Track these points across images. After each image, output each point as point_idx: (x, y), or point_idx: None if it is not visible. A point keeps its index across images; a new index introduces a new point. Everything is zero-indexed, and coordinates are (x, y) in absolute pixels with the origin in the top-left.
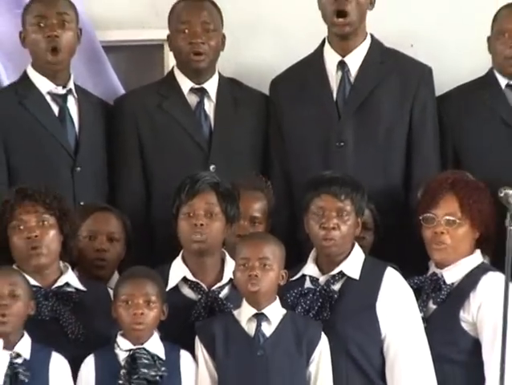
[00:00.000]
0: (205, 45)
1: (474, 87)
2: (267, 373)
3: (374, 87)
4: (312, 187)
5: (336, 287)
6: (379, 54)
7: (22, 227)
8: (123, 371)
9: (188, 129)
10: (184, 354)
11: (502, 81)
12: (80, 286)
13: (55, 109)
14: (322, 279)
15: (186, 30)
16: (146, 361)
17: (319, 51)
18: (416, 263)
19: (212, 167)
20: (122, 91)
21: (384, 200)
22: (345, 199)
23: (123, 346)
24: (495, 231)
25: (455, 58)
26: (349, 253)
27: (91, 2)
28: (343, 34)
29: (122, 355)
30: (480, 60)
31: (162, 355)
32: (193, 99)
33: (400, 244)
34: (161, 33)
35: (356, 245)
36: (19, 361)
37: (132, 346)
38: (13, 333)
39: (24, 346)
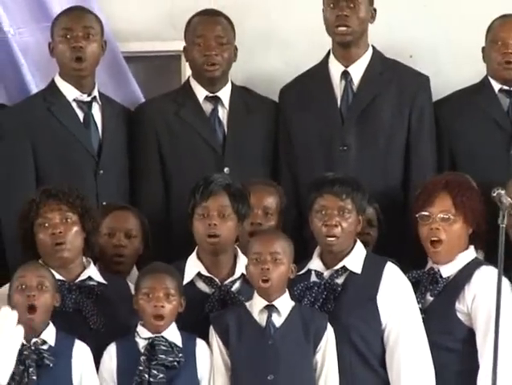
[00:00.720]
0: (218, 56)
1: (469, 92)
2: (277, 361)
3: (375, 95)
4: (315, 187)
5: (339, 281)
6: (380, 64)
7: (47, 224)
8: (142, 358)
9: (204, 134)
10: (200, 343)
11: (496, 86)
12: (102, 280)
13: (81, 115)
14: (326, 273)
15: (201, 44)
16: (164, 348)
17: (324, 62)
18: (413, 258)
19: (226, 169)
20: (142, 99)
21: (384, 200)
22: (346, 198)
23: (143, 335)
24: (486, 228)
25: (452, 68)
26: (352, 249)
27: (113, 16)
28: (344, 42)
29: (142, 343)
30: (476, 69)
31: (179, 343)
32: (207, 107)
33: (399, 241)
34: (178, 44)
35: (358, 241)
36: (45, 347)
37: (151, 335)
38: (40, 322)
39: (49, 334)
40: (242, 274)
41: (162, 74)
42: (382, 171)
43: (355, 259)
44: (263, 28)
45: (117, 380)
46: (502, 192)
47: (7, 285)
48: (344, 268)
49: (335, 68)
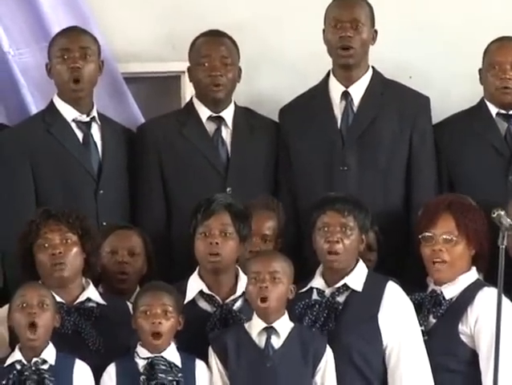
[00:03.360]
0: (223, 77)
1: (466, 116)
2: (276, 383)
3: (375, 116)
4: (318, 206)
5: (341, 299)
6: (381, 85)
7: (46, 245)
8: (142, 377)
9: (207, 154)
10: (199, 363)
11: (493, 110)
12: (101, 301)
13: (80, 135)
14: (327, 291)
15: (206, 64)
16: (163, 367)
17: (325, 82)
18: (415, 279)
19: (228, 189)
20: (142, 120)
21: (385, 220)
22: (348, 215)
23: (142, 355)
24: (489, 249)
25: (451, 89)
26: (354, 267)
27: (113, 37)
28: (347, 64)
29: (141, 363)
30: (475, 90)
31: (179, 363)
32: (211, 127)
33: (400, 261)
34: (178, 65)
35: (360, 260)
36: (45, 367)
37: (151, 355)
38: (40, 341)
39: (49, 354)
40: (243, 293)
41: (162, 94)
42: (383, 191)
43: (357, 277)
44: (263, 48)
45: None
46: (502, 212)
47: (6, 306)
48: (346, 286)
49: (336, 88)
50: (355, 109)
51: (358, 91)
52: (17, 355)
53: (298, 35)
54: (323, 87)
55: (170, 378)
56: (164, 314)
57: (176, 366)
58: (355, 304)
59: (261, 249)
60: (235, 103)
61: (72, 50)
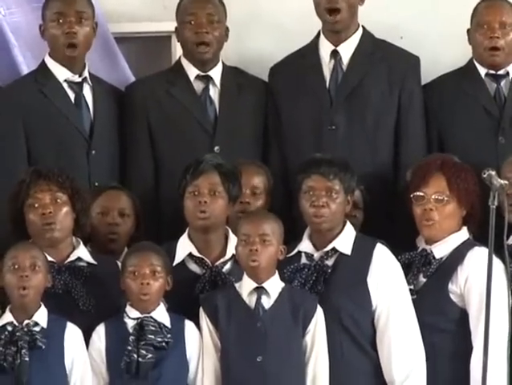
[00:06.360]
0: (209, 35)
1: (456, 76)
2: (266, 342)
3: (364, 75)
4: (303, 168)
5: (330, 262)
6: (371, 44)
7: (36, 205)
8: (131, 338)
9: (195, 113)
10: (189, 324)
11: (482, 70)
12: (91, 260)
13: (72, 96)
14: (316, 255)
15: (192, 22)
16: (153, 328)
17: (314, 42)
18: (402, 239)
19: (216, 148)
20: (133, 79)
21: (373, 179)
22: (333, 179)
23: (131, 315)
24: (480, 209)
25: (442, 49)
26: (341, 230)
27: None
28: (334, 30)
29: (130, 323)
30: (465, 51)
31: (168, 324)
32: (199, 86)
33: (388, 221)
34: (169, 25)
35: (348, 223)
36: (37, 329)
37: (140, 315)
38: (32, 304)
39: (41, 316)
40: (233, 255)
41: (153, 55)
42: (371, 150)
43: (345, 240)
44: (254, 9)
45: (106, 360)
46: (493, 172)
47: None
48: (334, 249)
49: (325, 48)
50: (344, 68)
51: (347, 50)
52: (8, 317)
53: None
54: (312, 47)
55: (159, 339)
56: (153, 274)
57: (166, 327)
58: (344, 267)
59: (251, 201)
60: (223, 63)
61: (68, 14)
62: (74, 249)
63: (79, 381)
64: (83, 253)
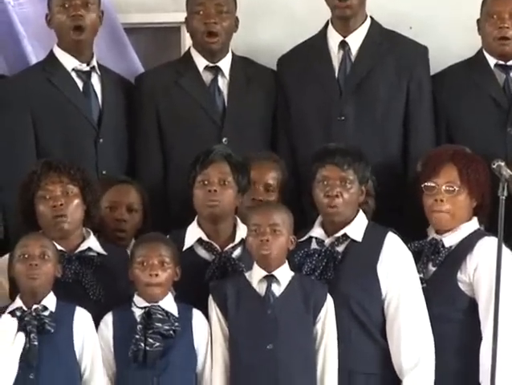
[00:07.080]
0: (218, 25)
1: (465, 67)
2: (276, 330)
3: (373, 65)
4: (318, 158)
5: (340, 249)
6: (379, 35)
7: (47, 196)
8: (139, 326)
9: (203, 104)
10: (196, 313)
11: (491, 61)
12: (101, 250)
13: (80, 85)
14: (327, 241)
15: (201, 12)
16: (160, 316)
17: (323, 32)
18: (411, 231)
19: (224, 139)
20: (142, 70)
21: (382, 170)
22: (348, 168)
23: (139, 304)
24: (490, 200)
25: (451, 39)
26: (354, 218)
27: None
28: (344, 16)
29: (138, 312)
30: (475, 41)
31: (175, 313)
32: (207, 77)
33: (397, 211)
34: (178, 16)
35: (361, 211)
36: (46, 313)
37: (148, 304)
38: (41, 288)
39: (50, 301)
40: (242, 240)
41: (162, 45)
42: (380, 141)
43: (357, 227)
44: None
45: (114, 349)
46: (502, 163)
47: (7, 256)
48: (345, 236)
49: (334, 38)
50: (352, 59)
51: (356, 40)
52: (17, 303)
53: None
54: (321, 37)
55: (167, 327)
56: (161, 264)
57: (173, 316)
58: (354, 254)
59: (264, 198)
60: (233, 53)
61: None
62: (84, 239)
63: (89, 364)
64: (93, 243)
